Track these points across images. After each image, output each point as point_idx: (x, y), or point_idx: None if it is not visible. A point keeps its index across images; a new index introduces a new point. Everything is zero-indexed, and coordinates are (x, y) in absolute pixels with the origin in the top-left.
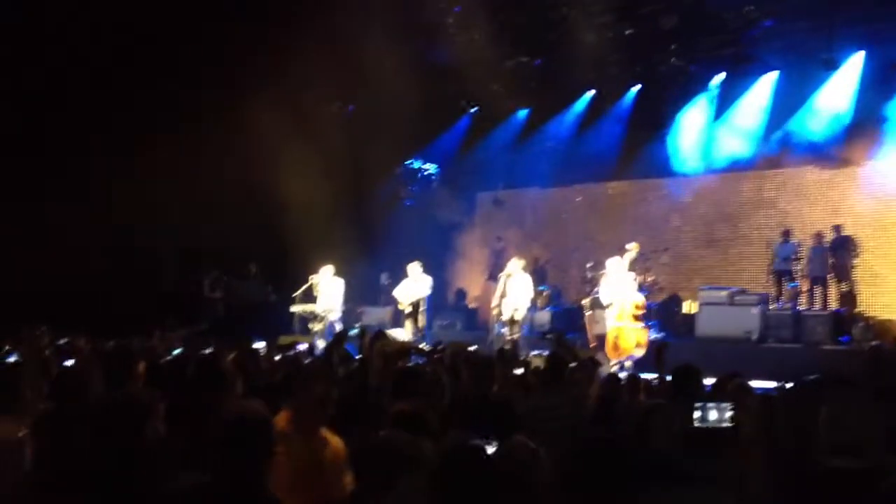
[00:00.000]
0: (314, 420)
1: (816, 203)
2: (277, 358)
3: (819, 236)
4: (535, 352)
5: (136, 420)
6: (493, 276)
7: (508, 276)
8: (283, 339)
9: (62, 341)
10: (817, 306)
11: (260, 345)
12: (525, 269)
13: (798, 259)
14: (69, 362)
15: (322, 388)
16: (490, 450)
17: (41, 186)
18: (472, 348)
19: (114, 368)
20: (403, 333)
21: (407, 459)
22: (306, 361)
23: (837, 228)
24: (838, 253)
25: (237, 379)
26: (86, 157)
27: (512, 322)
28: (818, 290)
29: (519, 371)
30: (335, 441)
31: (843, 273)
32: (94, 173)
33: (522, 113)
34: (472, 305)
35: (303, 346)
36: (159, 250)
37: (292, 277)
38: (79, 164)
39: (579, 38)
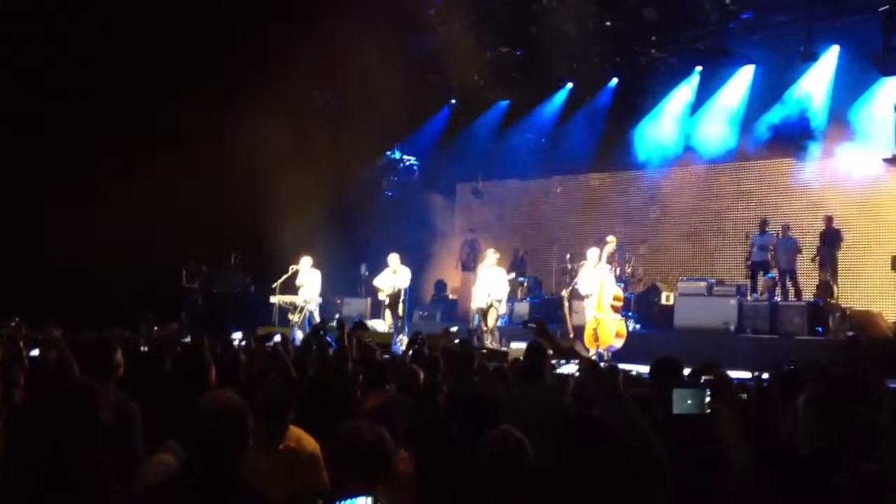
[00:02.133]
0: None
1: (794, 195)
2: (255, 348)
3: (785, 228)
4: (514, 343)
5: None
6: (465, 267)
7: (485, 267)
8: (262, 330)
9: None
10: (790, 298)
11: (237, 335)
12: (499, 262)
13: (772, 250)
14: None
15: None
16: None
17: (26, 179)
18: (453, 328)
19: (91, 359)
20: (383, 324)
21: (374, 452)
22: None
23: (829, 220)
24: (828, 244)
25: (212, 369)
26: (72, 147)
27: (488, 313)
28: (788, 282)
29: (497, 362)
30: (308, 441)
31: (829, 264)
32: (77, 164)
33: (503, 104)
34: (451, 296)
35: (278, 337)
36: (138, 240)
37: (271, 268)
38: (63, 156)
39: (560, 29)
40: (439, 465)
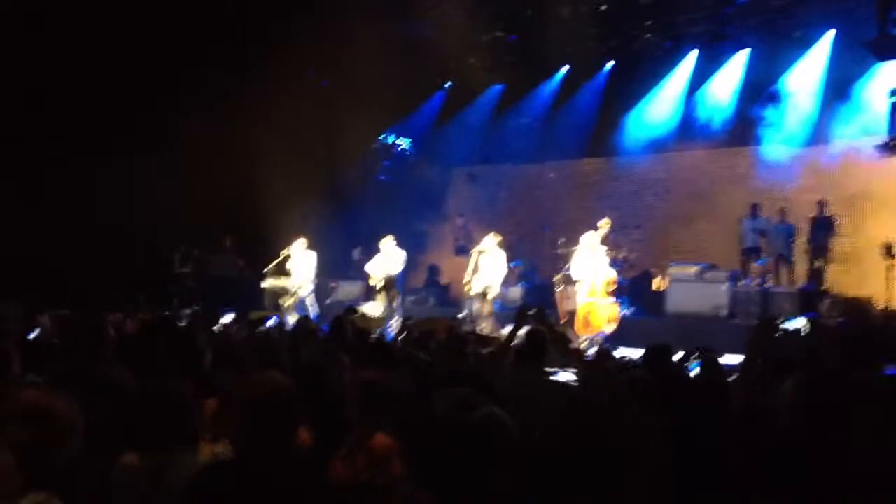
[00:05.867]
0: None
1: (786, 180)
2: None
3: (782, 213)
4: (507, 328)
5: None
6: (460, 251)
7: (481, 251)
8: (255, 314)
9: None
10: (783, 283)
11: (229, 318)
12: (500, 245)
13: (764, 234)
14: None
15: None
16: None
17: (15, 159)
18: (460, 315)
19: (82, 342)
20: (375, 308)
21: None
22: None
23: (821, 206)
24: (820, 231)
25: (208, 353)
26: (58, 128)
27: (483, 298)
28: (782, 267)
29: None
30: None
31: (821, 251)
32: (68, 146)
33: (498, 88)
34: (444, 281)
35: (273, 321)
36: (131, 225)
37: (264, 251)
38: (51, 136)
39: (555, 12)
40: (429, 445)
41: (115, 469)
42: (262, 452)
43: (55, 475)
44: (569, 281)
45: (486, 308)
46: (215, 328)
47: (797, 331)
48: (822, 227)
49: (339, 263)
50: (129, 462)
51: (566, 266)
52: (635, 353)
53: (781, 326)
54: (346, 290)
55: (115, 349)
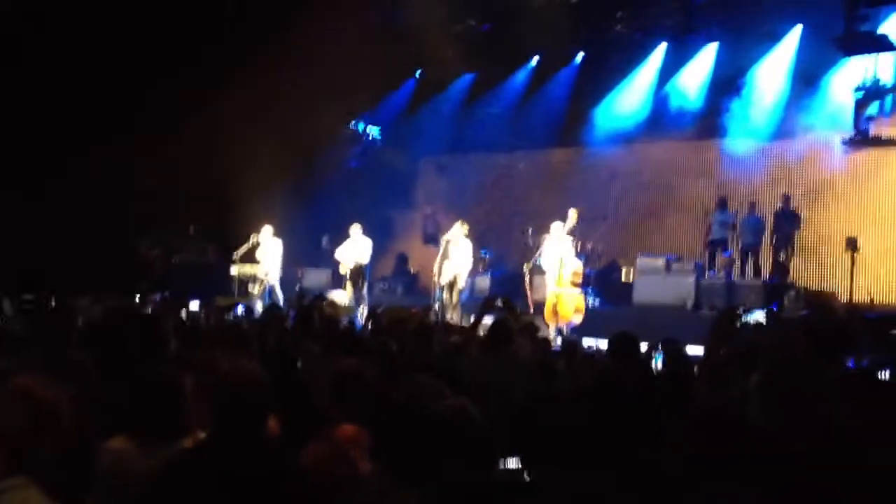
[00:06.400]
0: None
1: (754, 174)
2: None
3: (752, 206)
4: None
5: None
6: (429, 240)
7: (449, 241)
8: (222, 301)
9: None
10: (750, 275)
11: (195, 305)
12: (468, 235)
13: (733, 228)
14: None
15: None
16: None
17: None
18: (431, 305)
19: (52, 327)
20: (343, 296)
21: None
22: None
23: (786, 199)
24: (785, 224)
25: (171, 339)
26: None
27: (451, 287)
28: (750, 260)
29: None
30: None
31: (785, 244)
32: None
33: (469, 77)
34: (412, 270)
35: (241, 308)
36: (97, 210)
37: (232, 238)
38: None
39: (528, 2)
40: (395, 434)
41: (103, 453)
42: (234, 440)
43: (40, 463)
44: (537, 270)
45: (454, 297)
46: (183, 314)
47: (759, 324)
48: (787, 221)
49: (308, 251)
50: (116, 446)
51: (536, 256)
52: (602, 344)
53: (743, 319)
54: (315, 277)
55: (80, 335)
